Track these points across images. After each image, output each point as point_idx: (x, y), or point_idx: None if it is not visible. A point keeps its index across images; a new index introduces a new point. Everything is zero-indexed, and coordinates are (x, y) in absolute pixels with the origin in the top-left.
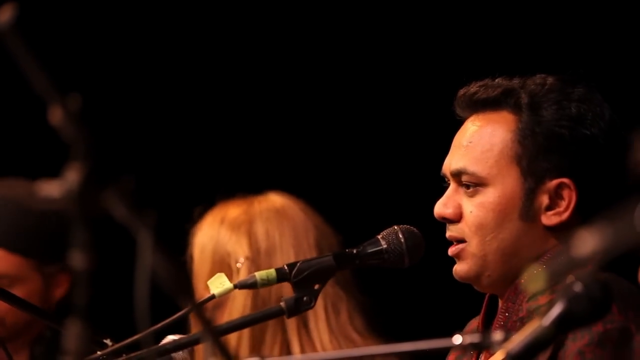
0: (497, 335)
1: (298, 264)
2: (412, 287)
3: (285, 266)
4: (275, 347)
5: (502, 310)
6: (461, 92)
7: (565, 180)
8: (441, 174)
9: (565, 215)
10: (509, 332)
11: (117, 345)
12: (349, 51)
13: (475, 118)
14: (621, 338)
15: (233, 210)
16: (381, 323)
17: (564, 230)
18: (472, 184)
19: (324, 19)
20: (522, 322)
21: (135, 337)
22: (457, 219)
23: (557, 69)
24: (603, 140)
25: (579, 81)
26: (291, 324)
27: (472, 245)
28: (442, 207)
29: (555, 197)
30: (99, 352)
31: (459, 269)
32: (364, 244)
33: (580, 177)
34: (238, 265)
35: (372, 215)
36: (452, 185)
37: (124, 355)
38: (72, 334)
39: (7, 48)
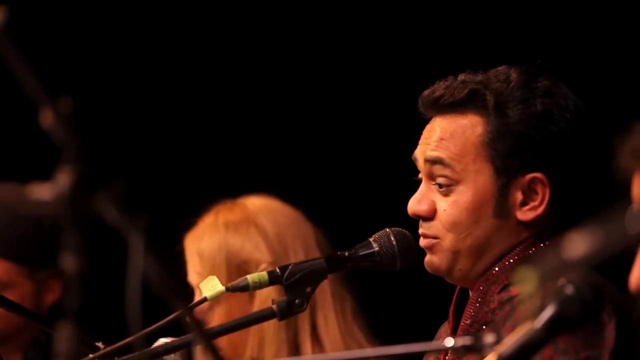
0: (489, 338)
1: (290, 267)
2: (404, 290)
3: (277, 269)
4: (283, 347)
5: (473, 301)
6: (425, 93)
7: (537, 174)
8: (412, 158)
9: (541, 210)
10: (480, 323)
11: (109, 348)
12: (344, 52)
13: (443, 119)
14: (594, 327)
15: (229, 214)
16: (374, 325)
17: (538, 225)
18: (445, 183)
19: (305, 25)
20: (493, 313)
21: (127, 340)
22: (431, 216)
23: (525, 58)
24: (570, 134)
25: (541, 73)
26: (303, 323)
27: (446, 242)
28: (415, 205)
29: (529, 192)
30: (90, 355)
31: (431, 261)
32: (356, 246)
33: (551, 171)
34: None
35: (363, 218)
36: (425, 182)
37: (116, 358)
38: (64, 337)
39: None
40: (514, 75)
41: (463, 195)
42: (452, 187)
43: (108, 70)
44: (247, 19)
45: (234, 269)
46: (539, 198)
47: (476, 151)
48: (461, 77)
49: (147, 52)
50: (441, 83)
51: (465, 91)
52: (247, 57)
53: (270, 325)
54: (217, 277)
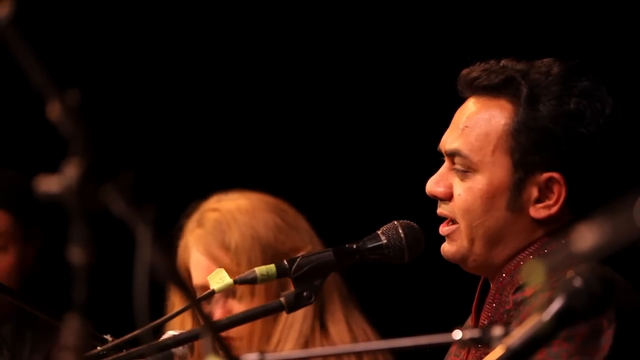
0: (497, 330)
1: (298, 259)
2: (412, 283)
3: (285, 261)
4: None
5: (490, 301)
6: (464, 72)
7: (555, 175)
8: (438, 149)
9: (554, 209)
10: (498, 324)
11: (117, 341)
12: (342, 48)
13: (476, 100)
14: (591, 333)
15: (262, 197)
16: (382, 319)
17: (553, 223)
18: (464, 168)
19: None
20: (509, 314)
21: (135, 332)
22: (448, 198)
23: (569, 52)
24: (600, 139)
25: (585, 72)
26: (310, 317)
27: (462, 229)
28: (433, 185)
29: (546, 190)
30: (99, 348)
31: (447, 249)
32: (364, 239)
33: (571, 173)
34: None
35: (372, 211)
36: (446, 164)
37: (125, 350)
38: (71, 329)
39: (6, 43)
40: (555, 69)
41: (478, 183)
42: (469, 174)
43: (115, 63)
44: (247, 15)
45: (270, 253)
46: (554, 198)
47: (497, 141)
48: (503, 62)
49: (154, 46)
50: (481, 64)
51: (502, 77)
52: (252, 51)
53: (299, 315)
54: (254, 258)
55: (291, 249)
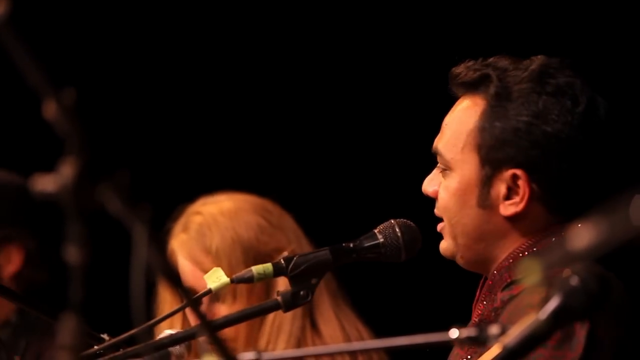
0: (494, 329)
1: (295, 258)
2: (408, 282)
3: (282, 260)
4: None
5: (482, 299)
6: (452, 69)
7: (517, 171)
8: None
9: (521, 206)
10: (486, 322)
11: (114, 340)
12: (337, 47)
13: (462, 98)
14: (563, 336)
15: (245, 198)
16: (378, 318)
17: (525, 220)
18: (443, 166)
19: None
20: (496, 312)
21: (132, 331)
22: (437, 196)
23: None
24: (568, 136)
25: (564, 69)
26: (299, 317)
27: (446, 225)
28: (426, 184)
29: (514, 187)
30: (96, 347)
31: (441, 245)
32: (361, 237)
33: (532, 170)
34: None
35: (368, 209)
36: (439, 163)
37: (122, 349)
38: (68, 328)
39: (2, 42)
40: (534, 66)
41: (452, 181)
42: (447, 172)
43: (111, 62)
44: (241, 20)
45: (252, 255)
46: (521, 194)
47: (467, 138)
48: (491, 59)
49: (150, 44)
50: (467, 62)
51: (478, 74)
52: (249, 51)
53: (287, 315)
54: (236, 261)
55: (274, 250)
